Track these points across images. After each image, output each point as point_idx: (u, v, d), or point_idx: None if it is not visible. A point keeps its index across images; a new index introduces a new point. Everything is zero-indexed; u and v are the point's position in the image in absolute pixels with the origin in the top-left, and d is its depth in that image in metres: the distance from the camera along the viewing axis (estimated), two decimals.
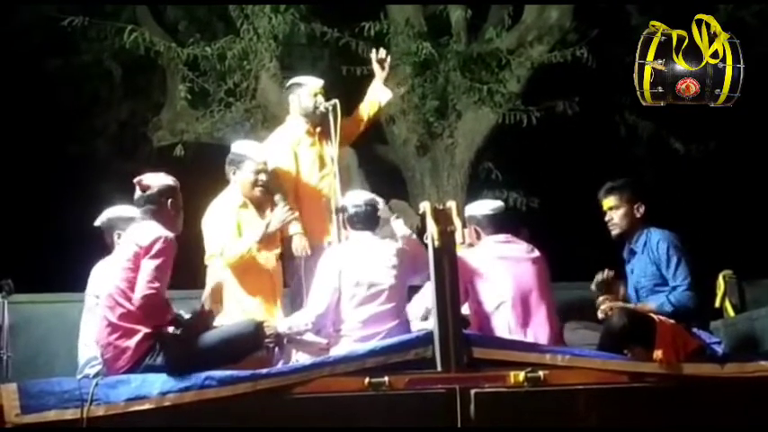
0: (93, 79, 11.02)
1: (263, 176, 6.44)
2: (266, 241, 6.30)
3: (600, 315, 5.94)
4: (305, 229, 6.64)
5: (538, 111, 9.81)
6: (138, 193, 5.68)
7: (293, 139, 6.86)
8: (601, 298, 5.95)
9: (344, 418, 5.26)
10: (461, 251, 6.08)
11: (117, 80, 10.94)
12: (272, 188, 6.54)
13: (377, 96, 7.17)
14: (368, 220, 6.13)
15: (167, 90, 10.44)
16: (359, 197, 6.24)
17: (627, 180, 6.27)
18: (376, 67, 7.19)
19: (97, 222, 6.38)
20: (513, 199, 9.84)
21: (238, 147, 6.55)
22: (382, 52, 7.20)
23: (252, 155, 6.44)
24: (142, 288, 5.33)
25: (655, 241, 5.97)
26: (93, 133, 11.21)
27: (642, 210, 6.10)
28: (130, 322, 5.37)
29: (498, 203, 6.45)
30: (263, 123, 9.98)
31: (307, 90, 6.91)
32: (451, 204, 5.79)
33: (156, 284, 5.37)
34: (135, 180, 5.70)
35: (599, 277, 6.03)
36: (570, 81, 10.06)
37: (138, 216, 5.76)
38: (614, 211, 6.14)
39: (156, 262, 5.38)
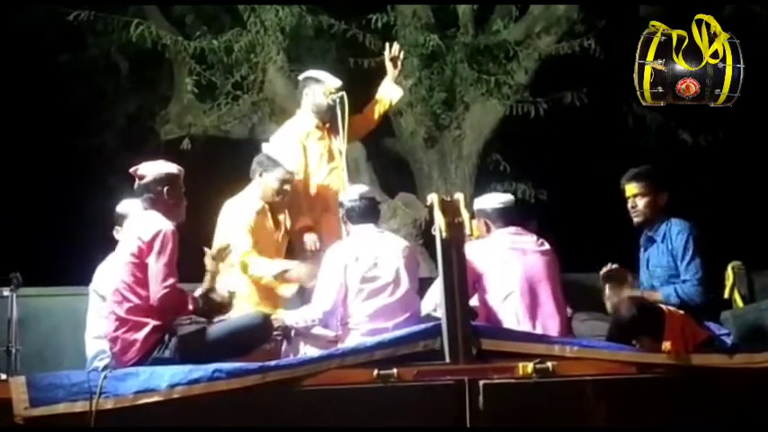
0: (101, 73, 11.02)
1: (287, 186, 6.49)
2: (273, 246, 6.42)
3: (609, 308, 5.93)
4: (314, 223, 6.68)
5: (546, 102, 9.81)
6: (136, 183, 5.67)
7: (302, 133, 6.90)
8: (608, 292, 5.94)
9: (353, 411, 5.25)
10: (470, 243, 6.08)
11: (124, 74, 10.94)
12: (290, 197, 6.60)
13: (388, 94, 7.18)
14: (367, 213, 6.14)
15: (174, 83, 10.44)
16: (354, 191, 6.25)
17: (650, 167, 6.26)
18: (388, 64, 7.19)
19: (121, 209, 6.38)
20: (522, 190, 9.83)
21: (272, 151, 6.52)
22: (396, 49, 7.19)
23: (284, 164, 6.45)
24: (158, 289, 5.35)
25: (675, 231, 5.97)
26: (101, 127, 11.23)
27: (665, 199, 6.10)
28: (139, 315, 5.39)
29: (508, 197, 6.45)
30: (270, 116, 10.00)
31: (323, 88, 6.91)
32: (459, 196, 5.78)
33: (170, 281, 5.38)
34: (131, 170, 5.70)
35: (604, 271, 6.02)
36: (578, 72, 10.04)
37: (137, 206, 5.76)
38: (639, 199, 6.11)
39: (163, 259, 5.38)
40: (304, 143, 6.86)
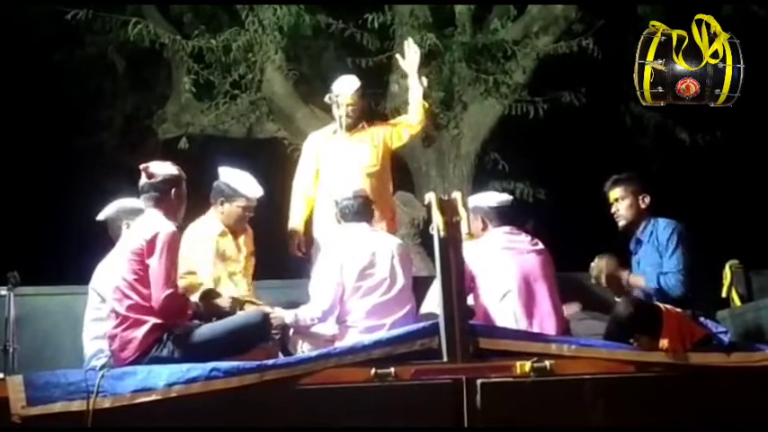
0: (99, 72, 11.03)
1: (249, 213, 6.51)
2: (238, 268, 6.43)
3: (593, 280, 5.93)
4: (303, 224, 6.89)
5: (544, 102, 9.80)
6: (143, 179, 5.69)
7: (320, 136, 7.14)
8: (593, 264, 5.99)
9: (351, 409, 5.25)
10: (467, 243, 6.09)
11: (122, 73, 10.94)
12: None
13: (416, 93, 7.16)
14: (361, 211, 6.18)
15: (172, 82, 10.46)
16: (348, 190, 6.28)
17: (632, 173, 6.29)
18: (405, 64, 7.19)
19: (100, 217, 6.39)
20: (520, 190, 9.84)
21: (231, 180, 6.46)
22: (412, 47, 7.20)
23: (246, 192, 6.43)
24: (159, 294, 5.37)
25: (661, 228, 6.02)
26: (99, 126, 11.23)
27: (647, 201, 6.13)
28: (139, 313, 5.40)
29: (506, 196, 6.48)
30: (268, 115, 10.02)
31: (339, 99, 7.03)
32: (457, 195, 5.77)
33: (171, 286, 5.42)
34: (141, 167, 5.71)
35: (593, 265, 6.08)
36: (576, 72, 10.03)
37: (141, 204, 5.77)
38: (620, 203, 6.18)
39: (164, 262, 5.40)
40: (319, 147, 7.07)
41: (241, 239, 6.54)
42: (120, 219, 6.28)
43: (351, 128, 7.03)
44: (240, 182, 6.45)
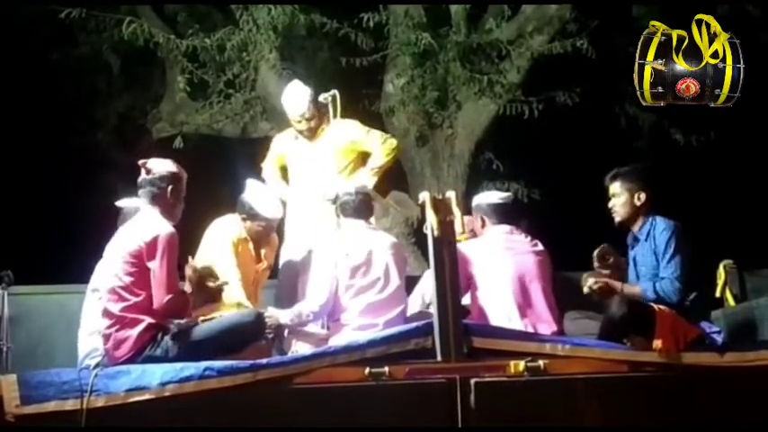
0: (93, 71, 11.02)
1: (271, 231, 6.57)
2: (251, 274, 6.44)
3: (585, 290, 5.93)
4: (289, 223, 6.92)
5: (538, 102, 9.80)
6: (142, 175, 5.68)
7: (284, 138, 7.23)
8: (585, 274, 5.98)
9: (345, 409, 5.26)
10: (463, 242, 6.10)
11: (116, 72, 10.93)
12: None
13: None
14: (360, 208, 6.19)
15: (167, 82, 10.45)
16: (351, 186, 6.27)
17: (633, 167, 6.27)
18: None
19: (119, 203, 6.36)
20: (514, 190, 9.82)
21: (253, 200, 6.47)
22: None
23: (266, 215, 6.45)
24: (162, 296, 5.37)
25: (659, 230, 5.98)
26: (93, 125, 11.22)
27: (642, 197, 6.09)
28: (134, 313, 5.40)
29: (507, 194, 6.51)
30: (262, 115, 10.01)
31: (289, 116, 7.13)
32: (451, 194, 5.79)
33: (174, 286, 5.43)
34: (140, 162, 5.70)
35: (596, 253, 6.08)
36: (570, 72, 10.03)
37: (139, 201, 5.76)
38: (615, 198, 6.15)
39: (166, 265, 5.40)
40: (285, 150, 7.19)
41: (263, 251, 6.58)
42: (131, 215, 6.27)
43: (310, 138, 7.03)
44: (261, 203, 6.46)
